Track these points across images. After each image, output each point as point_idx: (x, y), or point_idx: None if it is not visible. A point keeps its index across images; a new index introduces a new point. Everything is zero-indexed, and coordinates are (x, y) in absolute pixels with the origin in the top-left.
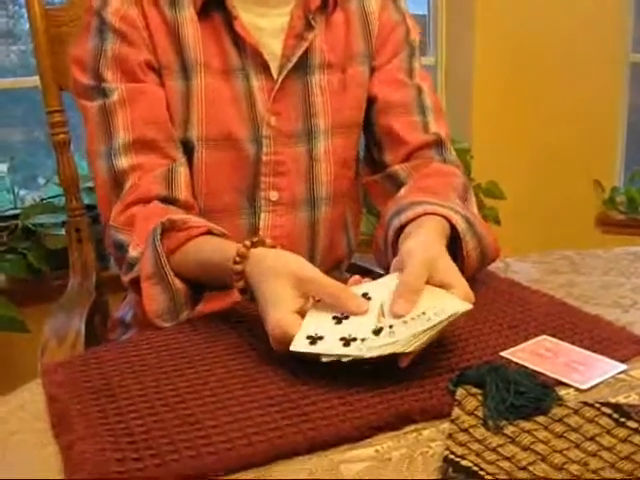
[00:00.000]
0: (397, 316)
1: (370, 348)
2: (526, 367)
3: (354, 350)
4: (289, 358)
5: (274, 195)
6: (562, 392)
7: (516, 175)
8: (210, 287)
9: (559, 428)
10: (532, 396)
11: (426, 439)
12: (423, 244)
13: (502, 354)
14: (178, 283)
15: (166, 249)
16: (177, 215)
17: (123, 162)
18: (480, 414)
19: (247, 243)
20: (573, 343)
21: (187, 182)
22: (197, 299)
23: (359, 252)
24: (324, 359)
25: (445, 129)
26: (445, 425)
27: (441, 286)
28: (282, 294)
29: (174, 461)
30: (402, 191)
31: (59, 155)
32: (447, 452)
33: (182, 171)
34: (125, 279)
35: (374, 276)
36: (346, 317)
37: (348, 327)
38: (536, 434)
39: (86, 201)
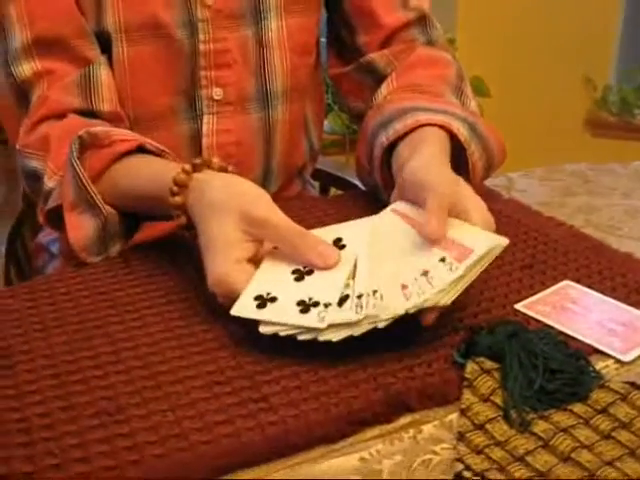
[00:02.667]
0: (435, 236)
1: (332, 323)
2: (551, 327)
3: (313, 320)
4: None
5: (218, 93)
6: (599, 365)
7: (502, 70)
8: (147, 216)
9: (605, 424)
10: (567, 375)
11: (428, 439)
12: (431, 161)
13: (517, 307)
14: (109, 209)
15: (89, 172)
16: (100, 127)
17: (25, 68)
18: (499, 400)
19: (187, 167)
20: (603, 291)
21: (110, 88)
22: (131, 229)
23: (327, 154)
24: (300, 337)
25: (426, 0)
26: (452, 417)
27: (453, 212)
28: (228, 237)
29: (81, 477)
30: (383, 90)
31: None
32: (460, 466)
33: (102, 74)
34: (41, 213)
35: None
36: (310, 271)
37: (310, 287)
38: (576, 434)
39: None
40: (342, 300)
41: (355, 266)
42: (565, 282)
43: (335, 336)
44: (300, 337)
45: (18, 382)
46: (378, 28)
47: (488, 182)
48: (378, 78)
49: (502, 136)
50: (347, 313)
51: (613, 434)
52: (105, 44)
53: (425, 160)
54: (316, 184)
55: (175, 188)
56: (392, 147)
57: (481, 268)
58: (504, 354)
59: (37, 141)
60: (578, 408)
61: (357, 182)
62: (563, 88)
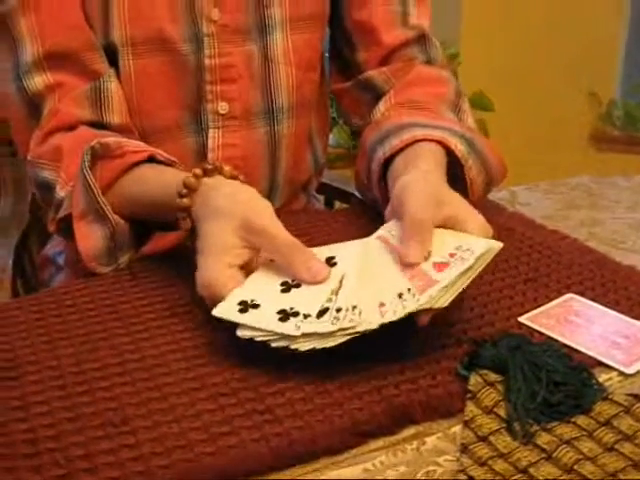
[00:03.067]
0: (407, 263)
1: (306, 332)
2: (554, 340)
3: (289, 329)
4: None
5: (223, 107)
6: (602, 377)
7: (506, 85)
8: (157, 227)
9: (608, 436)
10: (570, 388)
11: (431, 451)
12: (421, 177)
13: (521, 320)
14: (118, 219)
15: (100, 182)
16: (111, 138)
17: (36, 81)
18: (502, 413)
19: (197, 171)
20: (607, 304)
21: (120, 100)
22: (141, 240)
23: (332, 168)
24: (274, 344)
25: (427, 18)
26: (456, 429)
27: (449, 224)
28: (224, 241)
29: None
30: (381, 106)
31: None
32: (463, 477)
33: (112, 87)
34: (52, 223)
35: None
36: (297, 285)
37: (294, 298)
38: (579, 446)
39: None
40: (321, 312)
41: (341, 283)
42: (569, 295)
43: (306, 346)
44: (273, 344)
45: (25, 393)
46: (378, 45)
47: (491, 196)
48: (376, 95)
49: (501, 152)
50: (323, 324)
51: (616, 446)
52: (112, 57)
53: (417, 175)
54: (321, 197)
55: (184, 190)
56: (389, 162)
57: (474, 274)
58: (507, 366)
59: (49, 152)
60: (581, 420)
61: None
62: (568, 103)
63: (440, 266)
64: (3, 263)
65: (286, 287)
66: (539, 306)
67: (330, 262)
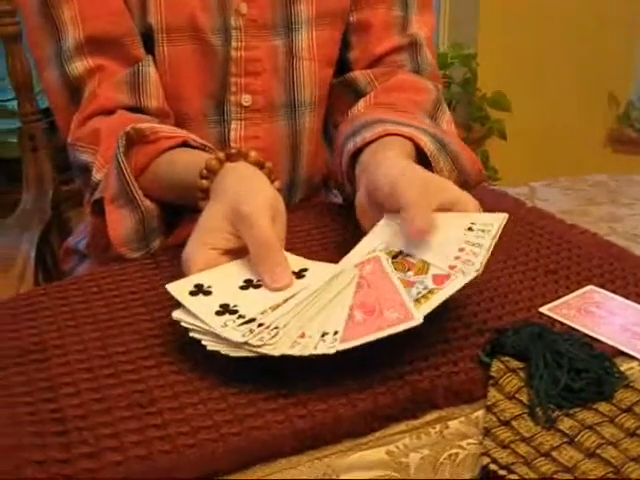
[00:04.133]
0: (418, 232)
1: (231, 330)
2: (576, 330)
3: (216, 324)
4: None
5: (247, 99)
6: (623, 367)
7: (524, 86)
8: (187, 212)
9: (630, 422)
10: (592, 375)
11: (454, 435)
12: (407, 167)
13: (542, 310)
14: (149, 203)
15: (134, 166)
16: (146, 123)
17: (77, 66)
18: (524, 398)
19: (220, 155)
20: (627, 296)
21: (157, 85)
22: (172, 225)
23: None
24: (191, 334)
25: (429, 26)
26: (479, 413)
27: (448, 208)
28: (212, 222)
29: (115, 464)
30: (360, 105)
31: (9, 51)
32: (486, 459)
33: (150, 72)
34: (87, 205)
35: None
36: (258, 286)
37: (246, 297)
38: (601, 431)
39: (42, 105)
40: (247, 321)
41: (285, 300)
42: (589, 287)
43: (213, 347)
44: (190, 334)
45: (52, 375)
46: (370, 48)
47: (510, 191)
48: (358, 95)
49: (475, 155)
50: (235, 333)
51: (638, 432)
52: (149, 43)
53: (401, 166)
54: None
55: (205, 172)
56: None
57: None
58: (529, 354)
59: (87, 135)
60: (603, 407)
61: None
62: (585, 104)
63: (441, 279)
64: (26, 256)
65: (246, 285)
66: (560, 297)
67: (299, 274)
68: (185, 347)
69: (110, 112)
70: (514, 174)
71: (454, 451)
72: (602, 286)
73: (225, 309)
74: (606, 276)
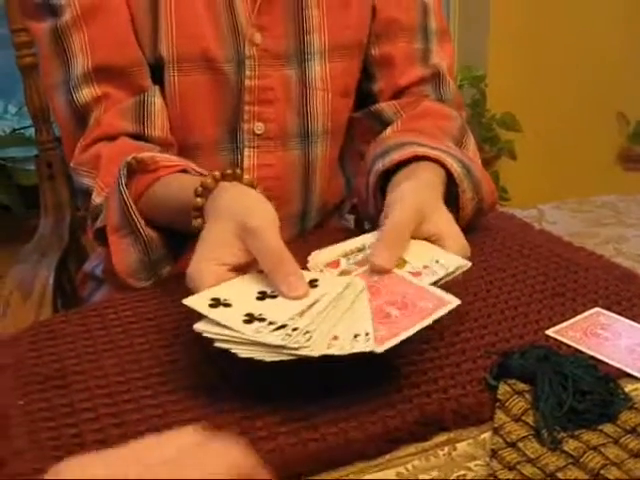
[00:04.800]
0: (377, 269)
1: (267, 335)
2: (582, 352)
3: (248, 331)
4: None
5: (259, 127)
6: (628, 388)
7: (534, 106)
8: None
9: (634, 443)
10: (596, 397)
11: (463, 456)
12: (414, 189)
13: (549, 333)
14: (151, 232)
15: (133, 193)
16: (147, 153)
17: (85, 94)
18: (530, 420)
19: (216, 174)
20: (633, 318)
21: (162, 116)
22: (179, 251)
23: None
24: (217, 344)
25: (449, 56)
26: (486, 435)
27: (430, 240)
28: (217, 238)
29: None
30: (387, 131)
31: (26, 80)
32: None
33: (156, 102)
34: (90, 230)
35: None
36: (274, 296)
37: (266, 307)
38: (605, 452)
39: (59, 133)
40: (279, 327)
41: (310, 307)
42: (596, 309)
43: (246, 354)
44: (216, 344)
45: (73, 400)
46: (394, 80)
47: (519, 214)
48: (384, 125)
49: (493, 185)
50: (273, 337)
51: None
52: (159, 72)
53: (412, 187)
54: (351, 217)
55: (200, 189)
56: (387, 176)
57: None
58: (535, 376)
59: (89, 160)
60: (607, 428)
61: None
62: (595, 123)
63: (414, 274)
64: (44, 281)
65: (262, 296)
66: (566, 320)
67: (312, 284)
68: (200, 372)
69: (113, 138)
70: (524, 194)
71: (462, 472)
72: (608, 308)
73: (252, 317)
74: (612, 298)
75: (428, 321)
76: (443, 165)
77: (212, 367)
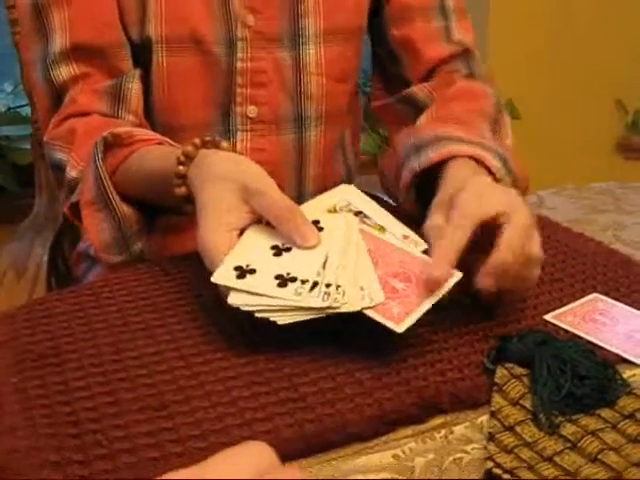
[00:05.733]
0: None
1: (308, 297)
2: (580, 337)
3: (289, 294)
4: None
5: (252, 110)
6: (626, 374)
7: (533, 94)
8: (163, 209)
9: (631, 428)
10: (595, 382)
11: (459, 439)
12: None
13: (547, 318)
14: (126, 208)
15: (109, 167)
16: (123, 127)
17: (62, 72)
18: (528, 404)
19: (197, 141)
20: (631, 304)
21: (138, 100)
22: (151, 226)
23: (358, 173)
24: (258, 314)
25: (471, 33)
26: (483, 419)
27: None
28: (223, 203)
29: (128, 466)
30: (422, 119)
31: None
32: (490, 464)
33: (133, 87)
34: (65, 205)
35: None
36: (288, 249)
37: (288, 262)
38: (603, 437)
39: None
40: (313, 286)
41: (326, 258)
42: (594, 295)
43: (286, 319)
44: (257, 314)
45: (67, 379)
46: (421, 61)
47: None
48: (418, 109)
49: (526, 169)
50: (314, 299)
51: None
52: (146, 52)
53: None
54: None
55: (182, 157)
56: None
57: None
58: (533, 360)
59: (63, 134)
60: (605, 413)
61: (388, 199)
62: (594, 112)
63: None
64: (39, 260)
65: (277, 251)
66: (565, 305)
67: (316, 225)
68: (195, 352)
69: (86, 115)
70: None
71: (459, 455)
72: (606, 294)
73: (283, 279)
74: (610, 284)
75: (438, 296)
76: (482, 162)
77: (208, 346)
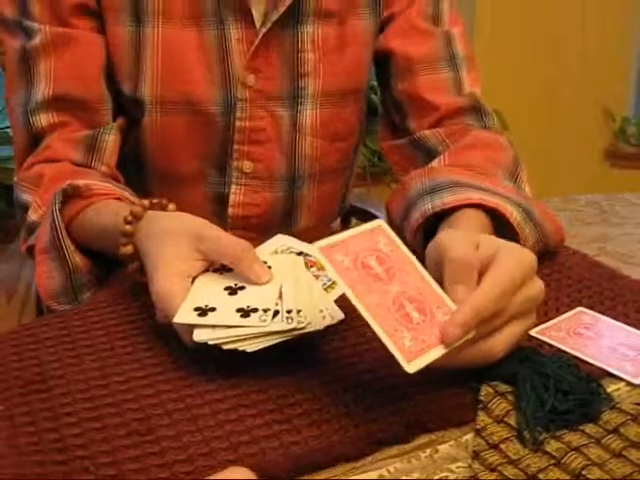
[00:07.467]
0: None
1: (272, 323)
2: (564, 352)
3: (255, 321)
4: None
5: (248, 166)
6: (611, 388)
7: (520, 103)
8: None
9: (615, 443)
10: (578, 397)
11: (445, 458)
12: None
13: (531, 333)
14: (79, 259)
15: (65, 217)
16: (84, 179)
17: (41, 119)
18: (512, 422)
19: (145, 202)
20: (616, 318)
21: (112, 152)
22: (104, 276)
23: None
24: (225, 347)
25: (479, 83)
26: (468, 437)
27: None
28: (174, 253)
29: None
30: (435, 163)
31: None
32: None
33: (109, 139)
34: (23, 244)
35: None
36: (242, 287)
37: (245, 298)
38: (587, 452)
39: None
40: (275, 313)
41: (281, 289)
42: (579, 309)
43: (253, 347)
44: (225, 347)
45: (54, 405)
46: (428, 108)
47: None
48: (429, 155)
49: (558, 219)
50: (279, 324)
51: (624, 453)
52: (140, 109)
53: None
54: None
55: (129, 217)
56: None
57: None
58: (517, 377)
59: (32, 177)
60: (589, 428)
61: (377, 213)
62: (581, 120)
63: None
64: (28, 282)
65: (232, 290)
66: (549, 319)
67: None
68: (182, 375)
69: (58, 162)
70: None
71: (444, 474)
72: (591, 307)
73: (245, 311)
74: (595, 297)
75: (450, 347)
76: (502, 214)
77: (194, 370)
